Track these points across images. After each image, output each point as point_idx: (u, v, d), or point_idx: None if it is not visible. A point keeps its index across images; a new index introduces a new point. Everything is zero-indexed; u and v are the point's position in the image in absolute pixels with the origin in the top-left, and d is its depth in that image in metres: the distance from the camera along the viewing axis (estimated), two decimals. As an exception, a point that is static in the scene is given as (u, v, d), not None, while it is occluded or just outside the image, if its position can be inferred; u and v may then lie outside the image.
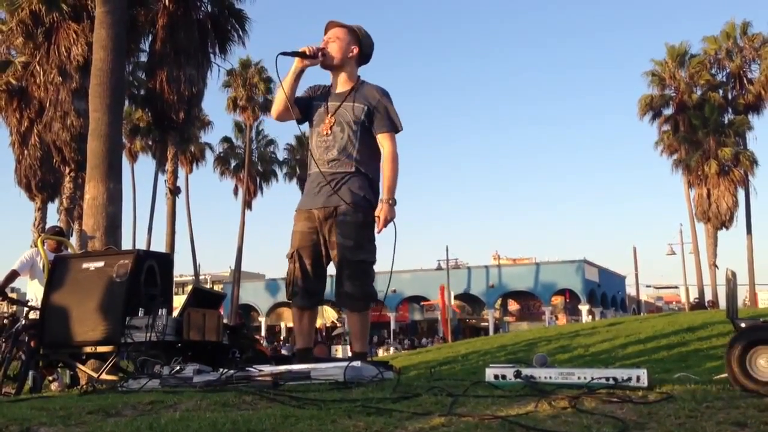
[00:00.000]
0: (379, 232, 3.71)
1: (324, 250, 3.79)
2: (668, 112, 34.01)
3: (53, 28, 16.56)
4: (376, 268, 3.87)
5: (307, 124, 3.99)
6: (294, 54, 3.76)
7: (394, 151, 3.79)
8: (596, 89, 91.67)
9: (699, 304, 27.17)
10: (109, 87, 8.41)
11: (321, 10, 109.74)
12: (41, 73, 16.97)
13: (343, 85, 3.88)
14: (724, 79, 33.65)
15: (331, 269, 3.91)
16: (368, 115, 3.79)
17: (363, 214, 3.73)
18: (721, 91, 33.19)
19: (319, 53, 3.79)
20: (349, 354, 4.16)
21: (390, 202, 3.71)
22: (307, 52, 3.76)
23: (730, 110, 33.36)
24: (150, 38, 18.08)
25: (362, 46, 3.89)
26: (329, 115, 3.81)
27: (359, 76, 3.92)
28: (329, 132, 3.78)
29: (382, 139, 3.81)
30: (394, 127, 3.83)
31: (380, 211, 3.69)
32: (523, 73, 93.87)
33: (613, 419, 2.07)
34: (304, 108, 3.92)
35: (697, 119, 32.15)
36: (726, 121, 33.07)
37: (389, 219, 3.69)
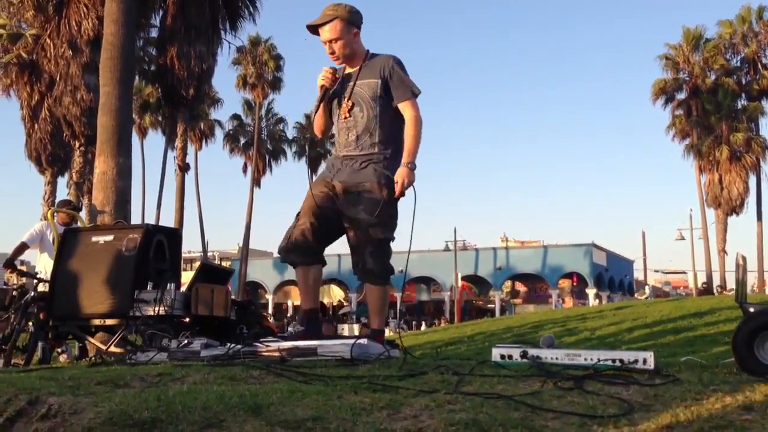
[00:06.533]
0: (396, 196, 3.65)
1: (335, 220, 3.79)
2: (681, 96, 33.78)
3: (64, 1, 16.48)
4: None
5: None
6: (321, 98, 3.84)
7: (416, 116, 3.74)
8: (608, 73, 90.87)
9: (706, 290, 27.08)
10: (119, 61, 8.39)
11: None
12: (52, 46, 16.88)
13: (354, 63, 3.88)
14: (739, 64, 33.32)
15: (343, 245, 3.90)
16: (384, 88, 3.76)
17: (388, 192, 3.70)
18: (735, 77, 32.87)
19: (333, 76, 3.82)
20: (356, 333, 4.17)
21: (409, 165, 3.63)
22: (327, 86, 3.81)
23: (743, 95, 33.07)
24: (161, 13, 17.94)
25: (356, 22, 3.85)
26: (346, 99, 3.80)
27: (368, 50, 3.90)
28: (348, 115, 3.78)
29: (404, 107, 3.76)
30: (412, 93, 3.79)
31: (399, 174, 3.62)
32: (536, 55, 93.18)
33: (619, 400, 2.07)
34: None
35: (710, 104, 31.89)
36: (739, 107, 32.79)
37: (408, 183, 3.62)
